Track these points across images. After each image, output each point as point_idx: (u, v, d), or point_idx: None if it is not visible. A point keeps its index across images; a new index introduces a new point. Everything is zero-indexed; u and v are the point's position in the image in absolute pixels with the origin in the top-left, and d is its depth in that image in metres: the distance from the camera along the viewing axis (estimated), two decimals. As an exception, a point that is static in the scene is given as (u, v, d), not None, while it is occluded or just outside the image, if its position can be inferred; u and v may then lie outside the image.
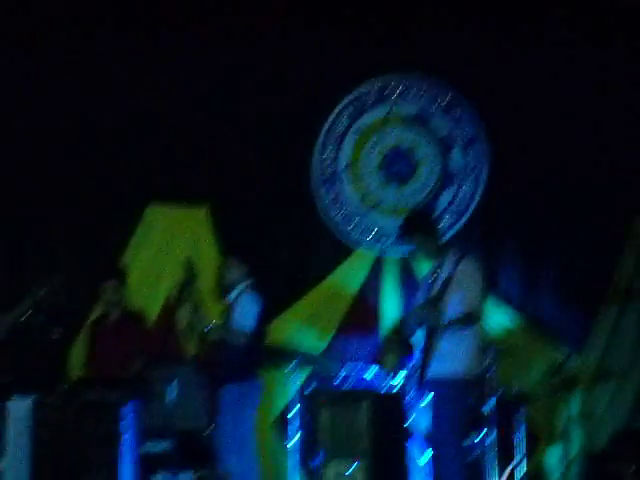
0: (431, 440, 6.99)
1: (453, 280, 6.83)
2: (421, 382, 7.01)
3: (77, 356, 8.50)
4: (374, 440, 6.82)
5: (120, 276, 8.02)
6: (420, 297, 7.07)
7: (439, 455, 6.84)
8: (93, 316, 8.36)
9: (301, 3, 8.67)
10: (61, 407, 7.11)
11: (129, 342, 7.79)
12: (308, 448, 7.08)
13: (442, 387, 6.80)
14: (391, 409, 7.05)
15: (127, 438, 7.11)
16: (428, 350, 6.87)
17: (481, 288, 6.92)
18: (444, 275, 6.90)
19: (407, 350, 8.09)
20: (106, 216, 8.73)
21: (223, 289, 7.66)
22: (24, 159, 8.76)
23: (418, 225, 7.11)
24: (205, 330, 7.33)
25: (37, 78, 8.77)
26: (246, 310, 7.47)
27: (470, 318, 6.80)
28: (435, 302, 6.81)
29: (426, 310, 6.82)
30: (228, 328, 7.42)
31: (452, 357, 6.80)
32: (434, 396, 6.93)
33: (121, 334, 7.89)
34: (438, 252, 7.04)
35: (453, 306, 6.82)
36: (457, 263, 6.89)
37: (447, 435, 6.74)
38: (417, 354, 7.78)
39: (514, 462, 7.56)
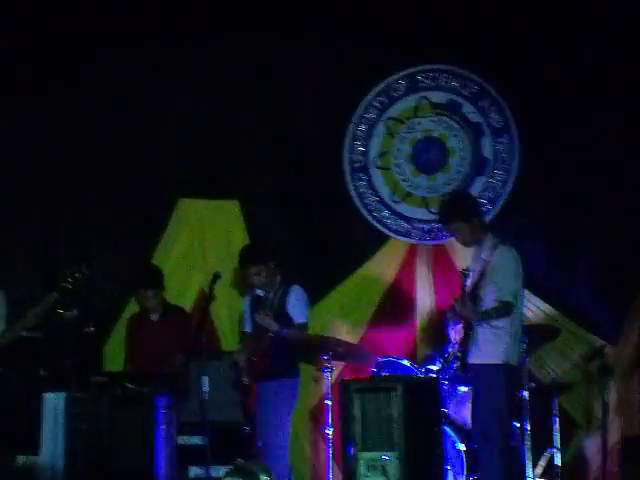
0: (473, 426, 6.96)
1: (489, 268, 6.80)
2: (461, 370, 7.00)
3: (113, 351, 8.56)
4: (408, 428, 6.72)
5: (158, 281, 8.02)
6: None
7: (481, 440, 6.82)
8: (130, 313, 8.41)
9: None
10: (95, 400, 7.13)
11: (171, 339, 7.83)
12: (344, 438, 7.01)
13: (482, 372, 6.79)
14: (426, 394, 6.97)
15: (162, 429, 7.13)
16: (466, 340, 6.85)
17: (516, 277, 6.89)
18: (480, 262, 6.87)
19: (441, 342, 8.11)
20: (138, 210, 8.76)
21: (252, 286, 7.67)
22: (60, 153, 8.81)
23: (457, 209, 7.07)
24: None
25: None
26: (303, 303, 7.55)
27: (505, 307, 6.78)
28: (470, 295, 6.78)
29: (461, 304, 6.79)
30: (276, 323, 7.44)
31: (489, 346, 6.80)
32: (474, 381, 6.92)
33: (162, 332, 7.94)
34: (475, 239, 6.99)
35: (489, 295, 6.80)
36: (493, 251, 6.86)
37: (489, 420, 6.73)
38: (453, 344, 7.79)
39: (551, 449, 7.49)
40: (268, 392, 7.47)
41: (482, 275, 6.82)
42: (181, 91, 8.85)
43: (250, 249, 7.91)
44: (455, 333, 7.35)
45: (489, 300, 6.81)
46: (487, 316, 6.77)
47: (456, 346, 7.52)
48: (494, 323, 6.78)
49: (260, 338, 7.51)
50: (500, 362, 6.77)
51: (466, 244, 7.15)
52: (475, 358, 6.84)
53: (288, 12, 8.64)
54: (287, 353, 7.45)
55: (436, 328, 8.34)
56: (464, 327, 6.90)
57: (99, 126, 8.82)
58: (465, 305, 6.76)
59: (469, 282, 6.84)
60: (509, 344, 6.81)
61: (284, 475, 7.39)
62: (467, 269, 6.85)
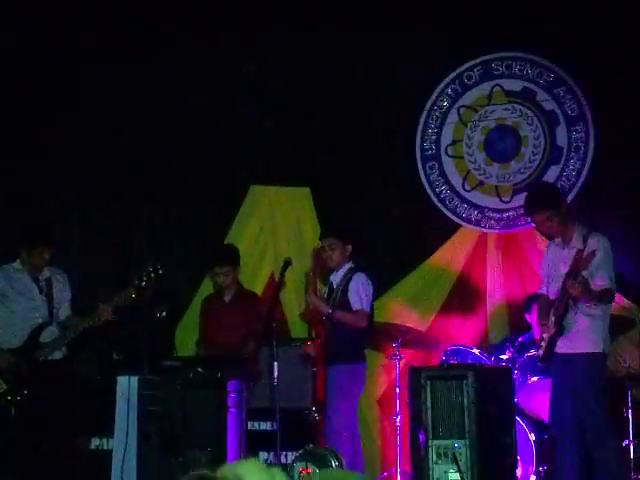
0: (561, 417, 6.78)
1: (584, 256, 6.63)
2: (547, 357, 6.83)
3: (184, 335, 8.65)
4: (479, 416, 6.64)
5: (230, 259, 8.07)
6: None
7: (595, 439, 6.67)
8: (206, 294, 8.50)
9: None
10: (167, 384, 7.19)
11: (240, 321, 7.86)
12: (414, 425, 6.98)
13: (583, 361, 6.66)
14: (498, 383, 6.90)
15: (232, 413, 7.18)
16: (559, 324, 6.69)
17: (613, 264, 6.77)
18: (572, 252, 6.72)
19: (512, 330, 8.03)
20: (209, 196, 8.85)
21: (325, 269, 7.66)
22: (136, 144, 8.96)
23: (547, 198, 6.93)
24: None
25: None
26: (362, 291, 7.42)
27: (609, 294, 6.67)
28: (578, 274, 6.58)
29: (573, 281, 6.55)
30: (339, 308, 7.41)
31: (586, 334, 6.67)
32: (569, 371, 6.74)
33: (233, 313, 7.97)
34: (564, 228, 6.83)
35: (593, 282, 6.63)
36: (586, 239, 6.74)
37: (598, 413, 6.60)
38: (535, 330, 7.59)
39: (626, 441, 7.37)
40: (332, 377, 7.44)
41: (577, 264, 6.62)
42: (257, 80, 8.91)
43: (337, 223, 7.93)
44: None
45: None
46: (596, 299, 6.57)
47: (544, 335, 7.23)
48: (591, 311, 6.65)
49: (321, 322, 7.49)
50: (600, 350, 6.68)
51: (554, 234, 6.97)
52: (568, 347, 6.68)
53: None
54: (350, 338, 7.37)
55: (506, 317, 8.29)
56: (556, 315, 6.71)
57: (173, 115, 8.90)
58: (580, 283, 6.51)
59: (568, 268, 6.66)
60: (605, 332, 6.72)
61: (353, 459, 7.38)
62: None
